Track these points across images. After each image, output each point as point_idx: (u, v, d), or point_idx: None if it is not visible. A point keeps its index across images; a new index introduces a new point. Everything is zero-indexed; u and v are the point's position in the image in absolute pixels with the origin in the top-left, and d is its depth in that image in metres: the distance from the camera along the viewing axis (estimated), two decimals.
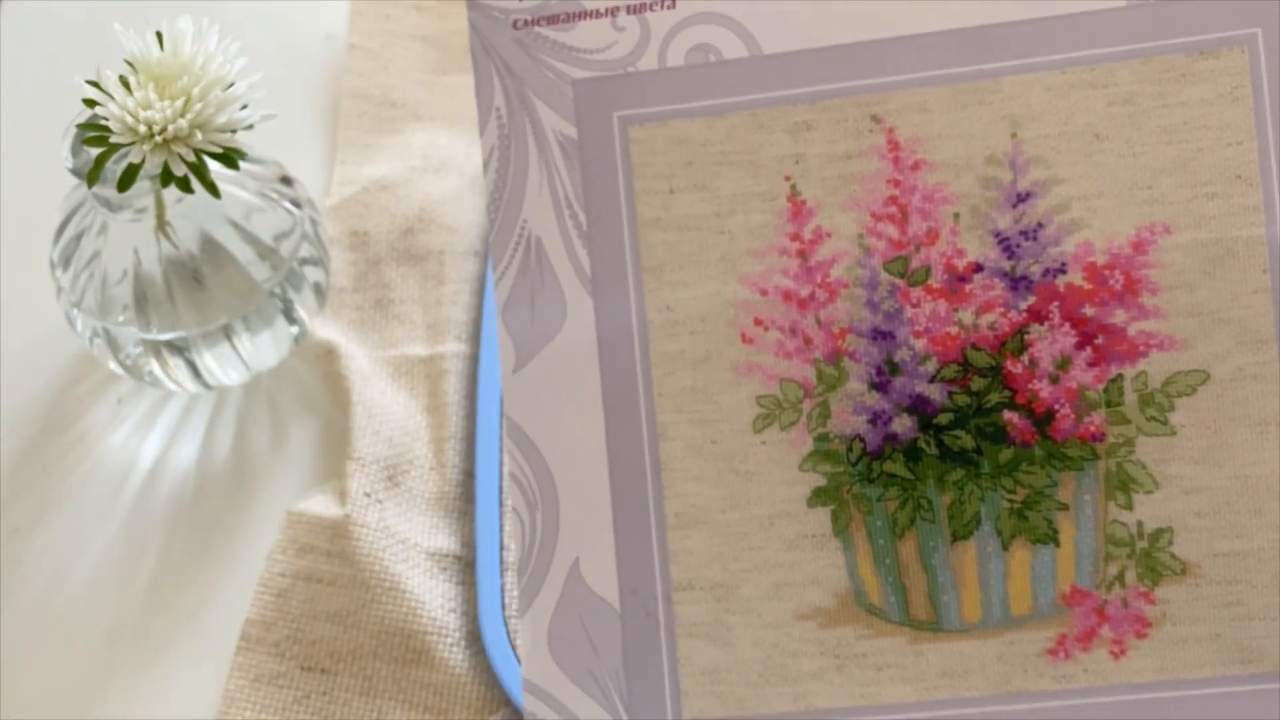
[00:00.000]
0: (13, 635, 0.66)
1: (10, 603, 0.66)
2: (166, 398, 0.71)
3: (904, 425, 0.55)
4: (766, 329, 0.55)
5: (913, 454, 0.55)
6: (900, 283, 0.55)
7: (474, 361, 0.80)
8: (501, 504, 0.72)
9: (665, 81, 0.56)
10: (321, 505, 0.67)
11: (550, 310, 0.56)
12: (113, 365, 0.68)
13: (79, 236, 0.65)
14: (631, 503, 0.56)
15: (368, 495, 0.67)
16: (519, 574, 0.56)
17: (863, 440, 0.55)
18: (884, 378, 0.55)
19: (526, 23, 0.56)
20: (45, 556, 0.68)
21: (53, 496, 0.69)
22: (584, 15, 0.56)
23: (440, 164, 0.90)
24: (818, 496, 0.55)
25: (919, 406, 0.55)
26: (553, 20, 0.56)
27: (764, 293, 0.55)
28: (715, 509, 0.56)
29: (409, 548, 0.70)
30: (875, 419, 0.55)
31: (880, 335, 0.55)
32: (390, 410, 0.73)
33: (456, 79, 0.93)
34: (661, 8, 0.55)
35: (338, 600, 0.65)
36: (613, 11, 0.56)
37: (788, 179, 0.55)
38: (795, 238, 0.55)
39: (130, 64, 0.59)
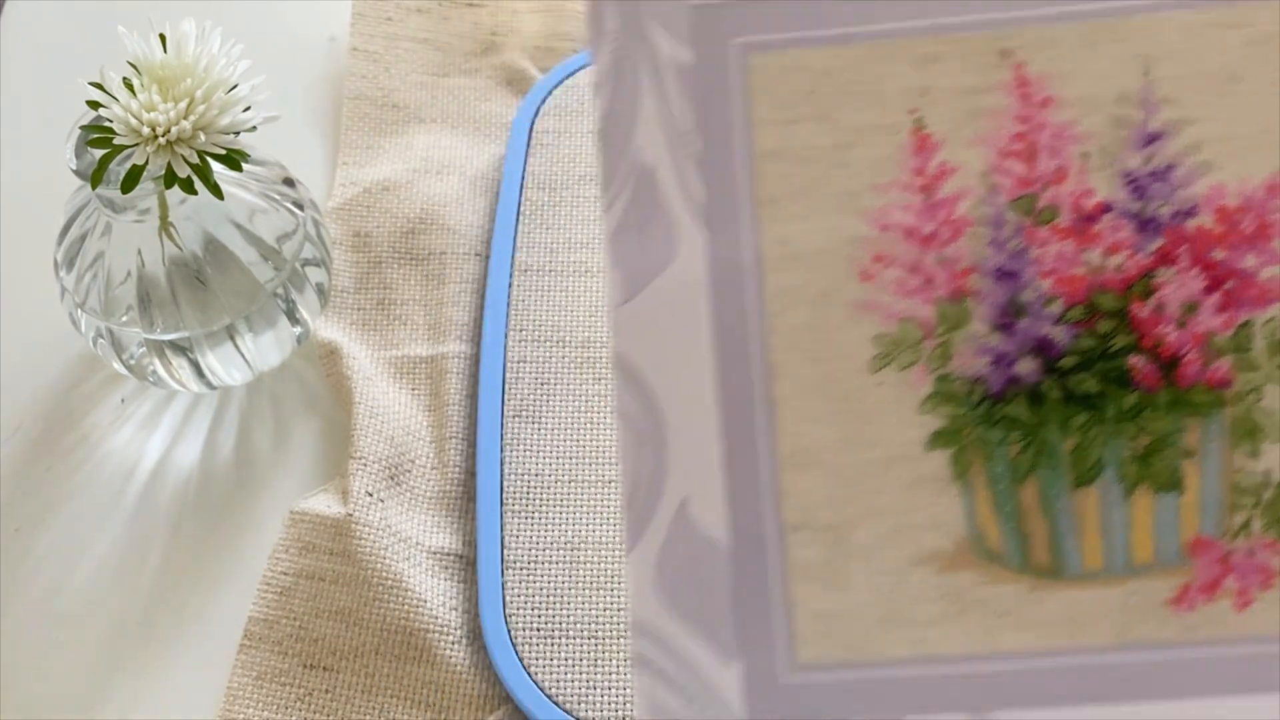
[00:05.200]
0: (15, 634, 0.65)
1: (13, 602, 0.66)
2: (170, 398, 0.72)
3: (1027, 368, 0.53)
4: (886, 266, 0.54)
5: (1035, 398, 0.53)
6: (1026, 221, 0.53)
7: (475, 362, 0.79)
8: (503, 502, 0.70)
9: (788, 9, 0.54)
10: (324, 504, 0.67)
11: (661, 242, 0.54)
12: (116, 365, 0.69)
13: (83, 238, 0.66)
14: (742, 442, 0.53)
15: (370, 494, 0.67)
16: (625, 510, 0.53)
17: (985, 382, 0.53)
18: (1008, 319, 0.53)
19: None
20: (48, 556, 0.68)
21: (56, 496, 0.69)
22: None
23: (442, 166, 0.89)
24: (937, 439, 0.53)
25: (1043, 349, 0.53)
26: None
27: (884, 229, 0.54)
28: (830, 450, 0.53)
29: (410, 546, 0.69)
30: (998, 361, 0.53)
31: (1005, 275, 0.53)
32: (392, 410, 0.73)
33: (458, 81, 0.92)
34: None
35: (340, 598, 0.66)
36: None
37: (913, 112, 0.54)
38: (919, 173, 0.54)
39: (134, 66, 0.60)
